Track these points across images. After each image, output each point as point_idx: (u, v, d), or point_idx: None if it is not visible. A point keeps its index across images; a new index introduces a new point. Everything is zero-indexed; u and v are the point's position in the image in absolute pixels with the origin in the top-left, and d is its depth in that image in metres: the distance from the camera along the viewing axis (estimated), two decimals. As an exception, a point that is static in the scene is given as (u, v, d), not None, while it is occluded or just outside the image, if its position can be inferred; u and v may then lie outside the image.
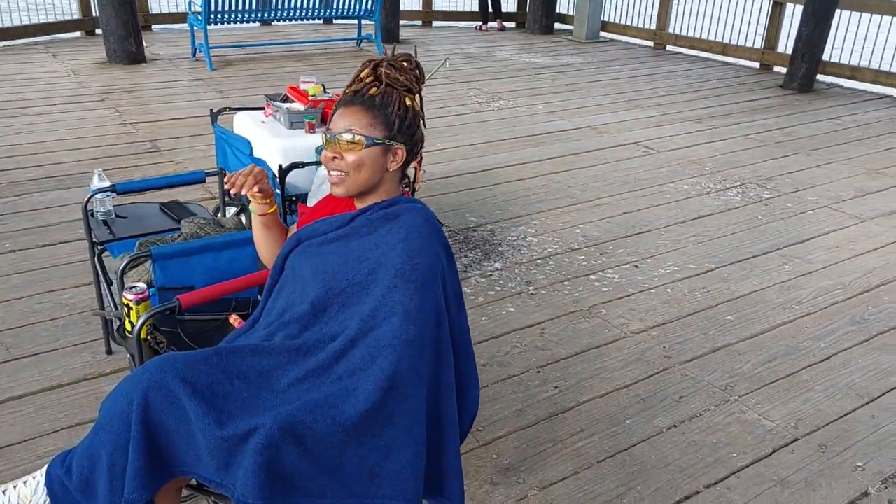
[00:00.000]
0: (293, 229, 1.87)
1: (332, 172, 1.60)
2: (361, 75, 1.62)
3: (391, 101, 1.59)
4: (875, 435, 2.42)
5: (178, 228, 2.48)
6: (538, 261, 3.53)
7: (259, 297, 2.16)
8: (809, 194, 4.47)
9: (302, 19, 7.58)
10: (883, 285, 3.40)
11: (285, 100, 3.27)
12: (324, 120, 3.17)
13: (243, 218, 2.64)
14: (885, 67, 7.20)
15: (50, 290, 3.02)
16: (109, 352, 2.61)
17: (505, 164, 4.84)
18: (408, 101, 1.63)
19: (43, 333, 2.73)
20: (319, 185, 2.65)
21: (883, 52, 7.22)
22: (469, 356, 1.69)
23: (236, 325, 1.99)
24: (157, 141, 4.91)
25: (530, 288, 3.27)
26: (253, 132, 3.02)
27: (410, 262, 1.53)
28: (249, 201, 1.76)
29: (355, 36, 8.43)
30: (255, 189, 1.66)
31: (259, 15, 7.21)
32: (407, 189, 1.73)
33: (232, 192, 1.63)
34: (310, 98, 3.10)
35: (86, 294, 2.99)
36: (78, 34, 8.32)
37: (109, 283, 2.32)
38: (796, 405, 2.56)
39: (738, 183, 4.63)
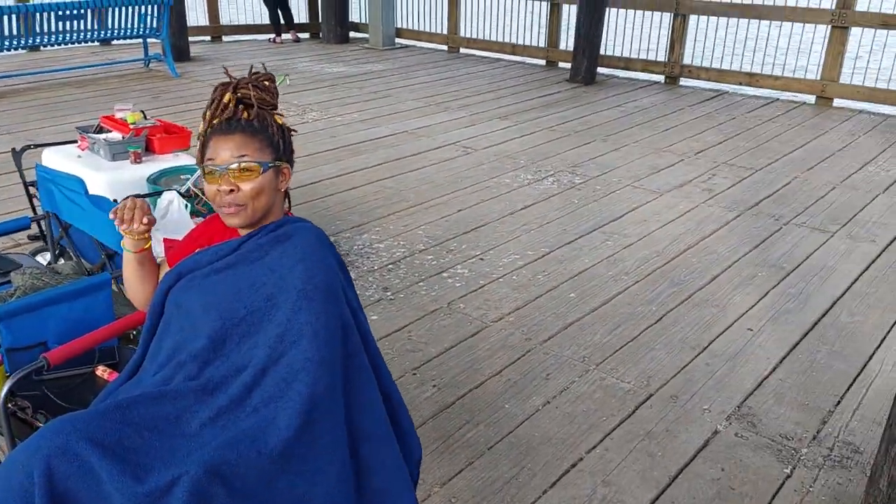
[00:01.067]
0: (164, 266, 1.76)
1: (225, 206, 1.53)
2: (224, 100, 1.56)
3: (268, 123, 1.56)
4: (713, 379, 2.76)
5: (8, 283, 2.22)
6: (389, 266, 3.58)
7: (123, 345, 2.01)
8: (613, 176, 4.95)
9: (76, 42, 6.98)
10: (688, 249, 3.86)
11: (99, 131, 3.03)
12: (149, 148, 2.98)
13: (77, 263, 2.42)
14: (651, 57, 8.12)
15: None
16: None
17: (332, 175, 4.83)
18: (279, 119, 1.60)
19: None
20: (162, 217, 2.49)
21: (648, 43, 8.13)
22: (384, 366, 1.68)
23: (106, 376, 1.84)
24: (-68, 189, 4.29)
25: (388, 293, 3.32)
26: (71, 169, 2.76)
27: (311, 282, 1.51)
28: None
29: (142, 56, 7.91)
30: (145, 220, 1.55)
31: (23, 41, 6.52)
32: (288, 209, 1.70)
33: (122, 228, 1.52)
34: (131, 126, 2.89)
35: None
36: None
37: (-68, 356, 2.01)
38: (644, 365, 2.84)
39: (552, 172, 5.00)
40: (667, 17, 7.84)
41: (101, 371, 1.84)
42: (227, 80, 1.57)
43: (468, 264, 3.63)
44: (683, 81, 7.86)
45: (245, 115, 1.55)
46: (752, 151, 5.50)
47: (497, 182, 4.79)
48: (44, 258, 2.45)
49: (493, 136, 5.81)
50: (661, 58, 7.95)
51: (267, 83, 1.58)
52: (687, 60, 7.89)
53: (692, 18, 7.70)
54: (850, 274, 3.59)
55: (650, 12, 7.96)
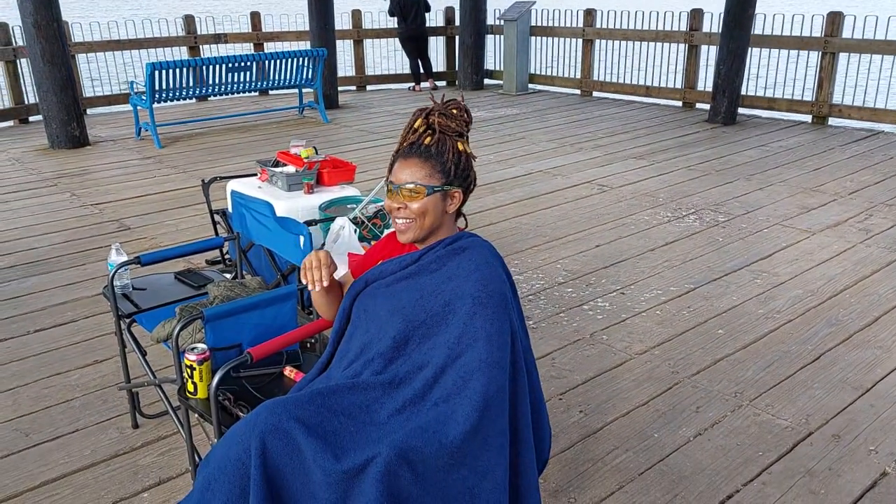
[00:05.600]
0: (347, 278, 1.95)
1: (398, 220, 1.70)
2: (415, 125, 1.73)
3: (445, 149, 1.70)
4: (878, 421, 2.62)
5: (202, 295, 2.50)
6: (530, 297, 3.67)
7: (297, 350, 2.20)
8: (759, 215, 4.81)
9: (239, 92, 7.68)
10: (846, 289, 3.68)
11: (276, 164, 3.35)
12: (319, 180, 3.26)
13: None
14: (797, 97, 7.84)
15: (55, 373, 2.95)
16: (136, 426, 2.56)
17: (471, 211, 5.01)
18: (460, 146, 1.75)
19: (60, 416, 2.65)
20: (334, 240, 2.72)
21: (794, 83, 7.87)
22: (536, 375, 1.79)
23: (292, 376, 2.03)
24: (124, 220, 4.85)
25: (530, 322, 3.40)
26: (254, 195, 3.08)
27: (485, 290, 1.63)
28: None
29: (296, 104, 8.56)
30: (328, 278, 1.72)
31: (195, 91, 7.25)
32: (463, 226, 1.84)
33: (315, 288, 1.70)
34: (304, 160, 3.19)
35: (94, 373, 2.93)
36: (10, 123, 8.14)
37: (144, 354, 2.30)
38: (802, 403, 2.74)
39: (693, 210, 4.93)
40: (813, 56, 7.58)
41: (289, 371, 2.03)
42: (431, 105, 1.74)
43: (609, 298, 3.65)
44: (833, 121, 7.52)
45: (427, 140, 1.71)
46: (913, 191, 5.18)
47: (635, 219, 4.79)
48: (222, 276, 2.73)
49: (629, 175, 5.81)
50: (808, 97, 7.66)
51: (455, 111, 1.73)
52: (836, 99, 7.56)
53: (841, 56, 7.39)
54: None
55: (796, 51, 7.72)
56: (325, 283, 1.72)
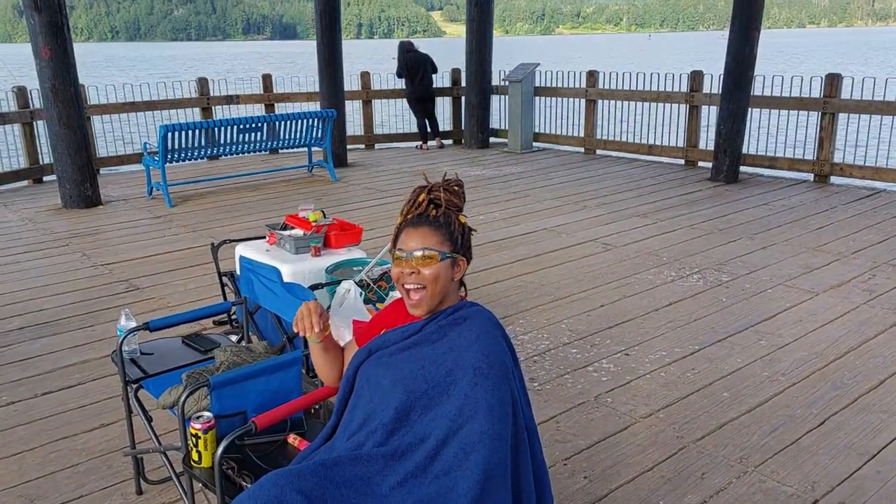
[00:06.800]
0: (351, 344, 1.98)
1: (409, 291, 1.74)
2: (419, 200, 1.80)
3: (451, 221, 1.77)
4: (885, 488, 2.59)
5: (209, 359, 2.54)
6: (535, 357, 3.68)
7: (301, 417, 2.22)
8: (763, 275, 4.84)
9: (250, 152, 7.85)
10: (850, 351, 3.68)
11: (284, 227, 3.42)
12: (326, 243, 3.33)
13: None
14: (798, 155, 7.95)
15: (61, 437, 2.96)
16: (140, 492, 2.57)
17: (477, 269, 5.06)
18: (462, 220, 1.81)
19: (65, 481, 2.66)
20: (340, 304, 2.76)
21: (795, 142, 7.99)
22: (538, 443, 1.80)
23: (296, 444, 2.05)
24: (134, 280, 4.92)
25: (535, 384, 3.40)
26: (261, 260, 3.14)
27: (486, 360, 1.67)
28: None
29: (306, 163, 8.73)
30: (320, 324, 1.78)
31: (207, 151, 7.41)
32: (464, 294, 1.88)
33: (307, 335, 1.76)
34: (312, 224, 3.26)
35: (101, 436, 2.95)
36: (25, 183, 8.32)
37: (150, 420, 2.33)
38: (808, 469, 2.72)
39: (697, 269, 4.97)
40: (813, 116, 7.71)
41: (293, 439, 2.05)
42: (425, 183, 1.81)
43: (613, 359, 3.66)
44: (834, 179, 7.61)
45: (433, 212, 1.77)
46: (916, 251, 5.21)
47: (639, 278, 4.82)
48: (228, 339, 2.77)
49: (633, 234, 5.87)
50: (809, 156, 7.77)
51: (456, 188, 1.81)
52: (838, 158, 7.66)
53: (841, 115, 7.52)
54: None
55: (796, 111, 7.86)
56: (317, 329, 1.79)
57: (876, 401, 3.19)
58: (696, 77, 8.57)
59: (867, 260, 5.06)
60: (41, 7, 6.43)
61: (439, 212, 1.77)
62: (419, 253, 1.72)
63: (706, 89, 8.56)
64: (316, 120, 7.96)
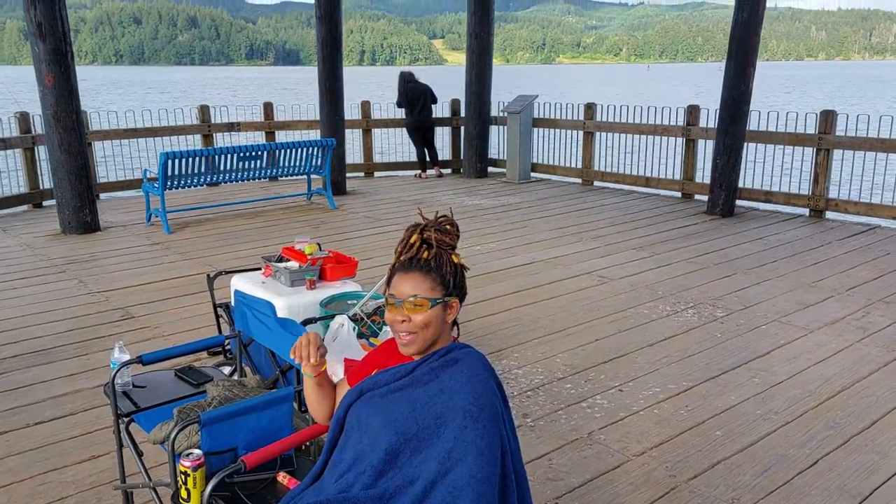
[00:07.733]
0: (342, 384, 1.99)
1: (401, 333, 1.76)
2: (411, 241, 1.82)
3: (443, 262, 1.78)
4: (878, 531, 2.58)
5: (202, 393, 2.54)
6: (529, 392, 3.68)
7: (297, 454, 2.22)
8: (757, 310, 4.85)
9: (250, 179, 7.90)
10: (844, 390, 3.69)
11: (280, 260, 3.44)
12: (321, 276, 3.34)
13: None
14: (794, 190, 8.01)
15: (52, 468, 2.95)
16: (128, 527, 2.55)
17: (473, 301, 5.06)
18: (455, 259, 1.83)
19: (53, 515, 2.65)
20: (333, 338, 2.78)
21: (790, 176, 8.05)
22: (526, 484, 1.80)
23: (286, 482, 2.05)
24: (129, 308, 4.92)
25: (528, 420, 3.40)
26: (255, 292, 3.15)
27: (476, 403, 1.67)
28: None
29: (305, 191, 8.78)
30: (319, 354, 1.80)
31: (207, 178, 7.46)
32: (456, 336, 1.89)
33: (302, 366, 1.77)
34: (308, 256, 3.28)
35: (91, 468, 2.94)
36: (25, 207, 8.35)
37: (140, 454, 2.32)
38: (800, 510, 2.71)
39: (692, 304, 4.98)
40: (808, 151, 7.78)
41: (282, 477, 2.05)
42: (420, 220, 1.83)
43: (607, 395, 3.66)
44: (830, 214, 7.66)
45: (425, 254, 1.79)
46: (910, 288, 5.23)
47: (635, 312, 4.83)
48: (222, 372, 2.77)
49: (629, 267, 5.89)
50: (804, 190, 7.83)
51: (449, 227, 1.82)
52: (833, 193, 7.71)
53: (836, 151, 7.60)
54: None
55: (791, 147, 7.93)
56: (313, 360, 1.80)
57: (869, 441, 3.18)
58: (693, 111, 8.67)
59: (862, 297, 5.08)
60: (46, 35, 6.52)
61: (431, 253, 1.79)
62: (410, 300, 1.74)
63: (703, 123, 8.65)
64: (315, 149, 8.02)
